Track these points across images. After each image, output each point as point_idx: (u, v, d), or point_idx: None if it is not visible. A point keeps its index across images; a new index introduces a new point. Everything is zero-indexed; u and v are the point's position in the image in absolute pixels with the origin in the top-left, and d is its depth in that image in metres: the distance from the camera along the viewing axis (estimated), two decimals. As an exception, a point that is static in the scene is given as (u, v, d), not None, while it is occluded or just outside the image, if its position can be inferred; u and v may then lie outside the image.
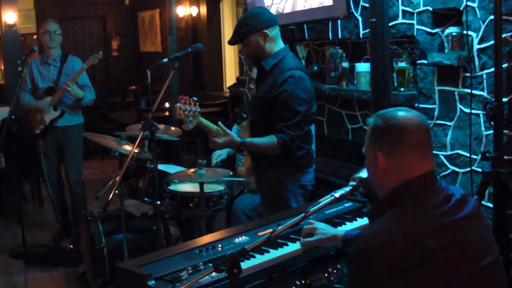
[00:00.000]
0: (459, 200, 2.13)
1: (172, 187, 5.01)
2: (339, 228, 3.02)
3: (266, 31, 3.85)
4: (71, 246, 6.16)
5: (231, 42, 4.03)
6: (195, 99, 3.80)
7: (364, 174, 2.43)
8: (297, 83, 3.76)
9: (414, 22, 4.66)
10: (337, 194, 2.43)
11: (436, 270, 1.95)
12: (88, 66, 6.12)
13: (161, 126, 4.99)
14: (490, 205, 3.77)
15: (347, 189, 2.46)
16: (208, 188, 4.86)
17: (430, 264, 1.95)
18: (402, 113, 2.16)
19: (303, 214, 2.35)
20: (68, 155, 6.44)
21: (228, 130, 3.79)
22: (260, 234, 2.90)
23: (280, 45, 3.94)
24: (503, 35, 3.58)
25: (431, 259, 1.96)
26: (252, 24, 3.86)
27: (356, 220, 3.16)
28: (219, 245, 2.78)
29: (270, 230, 2.57)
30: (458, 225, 2.06)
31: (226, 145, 3.83)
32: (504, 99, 3.52)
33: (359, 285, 2.03)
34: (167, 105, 9.59)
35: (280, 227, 2.33)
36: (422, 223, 2.02)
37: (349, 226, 3.08)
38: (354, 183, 2.47)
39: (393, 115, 2.16)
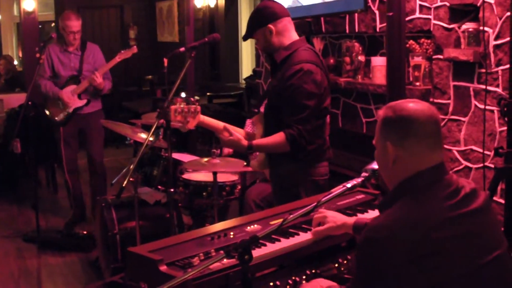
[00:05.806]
0: (468, 194, 2.13)
1: (186, 176, 5.03)
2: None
3: (270, 25, 3.79)
4: (85, 233, 6.20)
5: (244, 38, 4.02)
6: (194, 98, 3.79)
7: (376, 165, 2.45)
8: (305, 76, 3.66)
9: (431, 17, 4.66)
10: (348, 185, 2.46)
11: (442, 262, 1.96)
12: (120, 59, 6.18)
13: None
14: (502, 201, 3.77)
15: (359, 179, 2.49)
16: (221, 178, 4.89)
17: (436, 255, 1.96)
18: (412, 104, 2.16)
19: (315, 204, 2.38)
20: (92, 139, 6.52)
21: (236, 133, 3.76)
22: (272, 223, 2.90)
23: (291, 37, 3.85)
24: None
25: (438, 251, 1.97)
26: (257, 19, 3.85)
27: (367, 212, 3.18)
28: (231, 233, 2.80)
29: (282, 219, 2.59)
30: (464, 218, 2.07)
31: (232, 146, 3.79)
32: (519, 96, 3.52)
33: (365, 275, 2.04)
34: (183, 95, 9.60)
35: (291, 216, 2.36)
36: (430, 215, 2.03)
37: (361, 218, 3.09)
38: (366, 174, 2.50)
39: (403, 107, 2.16)
